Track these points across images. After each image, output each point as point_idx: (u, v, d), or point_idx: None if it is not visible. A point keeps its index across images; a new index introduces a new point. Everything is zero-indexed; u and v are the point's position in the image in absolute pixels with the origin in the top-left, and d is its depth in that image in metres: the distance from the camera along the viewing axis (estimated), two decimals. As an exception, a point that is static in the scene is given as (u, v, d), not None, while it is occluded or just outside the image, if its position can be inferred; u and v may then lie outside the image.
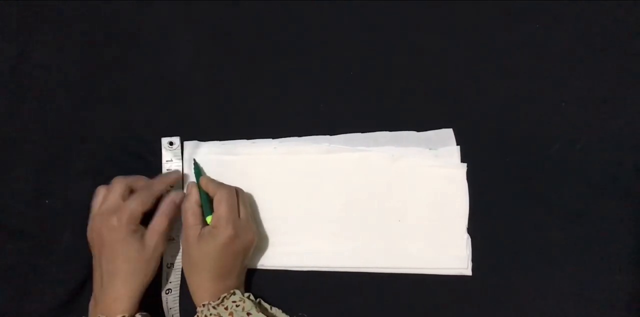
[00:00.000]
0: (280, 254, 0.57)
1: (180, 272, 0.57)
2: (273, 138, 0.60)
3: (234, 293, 0.51)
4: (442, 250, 0.57)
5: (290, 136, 0.60)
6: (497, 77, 0.60)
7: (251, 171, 0.59)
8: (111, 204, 0.52)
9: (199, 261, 0.52)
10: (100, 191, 0.54)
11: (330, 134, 0.60)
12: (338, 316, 0.57)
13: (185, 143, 0.60)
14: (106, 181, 0.59)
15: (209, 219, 0.53)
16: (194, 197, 0.54)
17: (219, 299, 0.51)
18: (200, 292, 0.52)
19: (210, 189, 0.54)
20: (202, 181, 0.55)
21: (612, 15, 0.61)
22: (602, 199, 0.57)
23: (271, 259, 0.57)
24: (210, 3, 0.63)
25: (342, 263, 0.57)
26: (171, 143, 0.59)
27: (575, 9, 0.61)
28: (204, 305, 0.51)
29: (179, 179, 0.58)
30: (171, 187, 0.57)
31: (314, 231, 0.58)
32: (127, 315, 0.50)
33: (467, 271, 0.56)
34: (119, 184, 0.53)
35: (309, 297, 0.57)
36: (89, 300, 0.54)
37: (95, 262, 0.53)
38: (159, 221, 0.53)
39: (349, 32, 0.62)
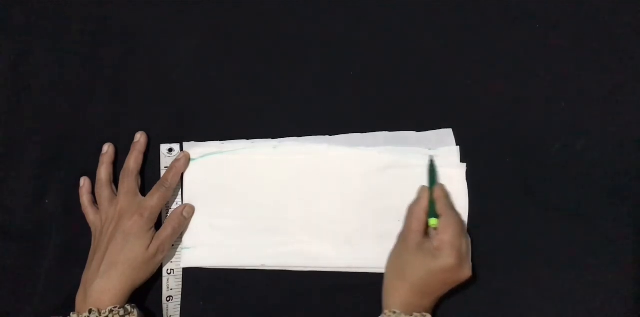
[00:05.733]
0: (280, 254, 0.57)
1: (180, 279, 0.57)
2: (273, 138, 0.60)
3: None
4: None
5: (290, 136, 0.60)
6: (497, 77, 0.60)
7: (251, 171, 0.59)
8: (127, 200, 0.55)
9: (408, 269, 0.51)
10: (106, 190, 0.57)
11: (330, 134, 0.60)
12: (338, 316, 0.57)
13: (185, 144, 0.60)
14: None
15: (432, 221, 0.52)
16: (423, 203, 0.54)
17: (411, 315, 0.50)
18: (393, 298, 0.52)
19: (439, 206, 0.53)
20: (436, 192, 0.54)
21: (612, 15, 0.61)
22: (602, 199, 0.57)
23: (271, 259, 0.57)
24: (210, 3, 0.63)
25: (342, 263, 0.57)
26: (171, 150, 0.59)
27: (575, 9, 0.61)
28: (394, 312, 0.50)
29: (188, 163, 0.59)
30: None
31: (314, 231, 0.58)
32: (118, 306, 0.51)
33: (467, 270, 0.57)
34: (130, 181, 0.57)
35: (309, 297, 0.57)
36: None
37: (97, 249, 0.54)
38: (163, 230, 0.56)
39: (348, 32, 0.62)
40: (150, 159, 0.60)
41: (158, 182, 0.57)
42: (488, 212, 0.57)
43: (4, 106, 0.62)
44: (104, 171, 0.58)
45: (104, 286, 0.52)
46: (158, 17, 0.63)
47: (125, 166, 0.57)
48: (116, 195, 0.57)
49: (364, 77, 0.61)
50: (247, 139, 0.60)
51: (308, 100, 0.61)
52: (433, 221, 0.53)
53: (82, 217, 0.58)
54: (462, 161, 0.58)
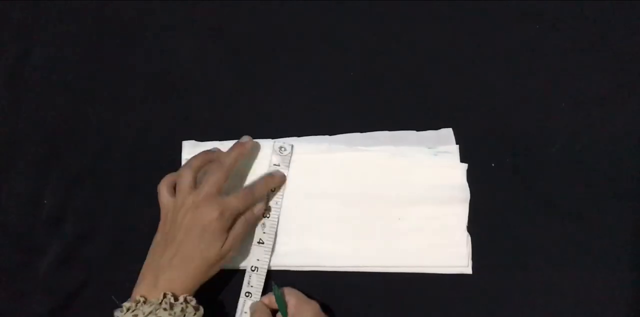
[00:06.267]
0: (280, 254, 0.57)
1: (264, 277, 0.56)
2: (273, 138, 0.59)
3: None
4: (443, 249, 0.57)
5: (290, 136, 0.60)
6: (497, 77, 0.60)
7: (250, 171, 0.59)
8: (211, 193, 0.52)
9: None
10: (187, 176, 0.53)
11: (330, 134, 0.60)
12: (338, 316, 0.57)
13: (184, 143, 0.59)
14: (106, 181, 0.59)
15: None
16: None
17: None
18: None
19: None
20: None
21: (611, 15, 0.61)
22: (602, 199, 0.57)
23: (271, 259, 0.57)
24: (210, 3, 0.63)
25: (342, 263, 0.57)
26: (282, 148, 0.58)
27: (575, 9, 0.61)
28: None
29: (282, 184, 0.58)
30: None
31: (314, 231, 0.58)
32: (191, 295, 0.51)
33: (468, 269, 0.56)
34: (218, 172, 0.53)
35: (309, 297, 0.57)
36: (86, 303, 0.54)
37: (168, 237, 0.52)
38: (239, 227, 0.53)
39: (348, 32, 0.62)
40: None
41: (248, 187, 0.55)
42: (488, 212, 0.57)
43: (4, 106, 0.62)
44: (203, 157, 0.55)
45: (177, 275, 0.51)
46: (158, 16, 0.63)
47: (222, 159, 0.54)
48: (196, 184, 0.53)
49: (364, 77, 0.61)
50: (247, 139, 0.60)
51: (308, 100, 0.61)
52: None
53: (81, 217, 0.58)
54: (462, 161, 0.58)
